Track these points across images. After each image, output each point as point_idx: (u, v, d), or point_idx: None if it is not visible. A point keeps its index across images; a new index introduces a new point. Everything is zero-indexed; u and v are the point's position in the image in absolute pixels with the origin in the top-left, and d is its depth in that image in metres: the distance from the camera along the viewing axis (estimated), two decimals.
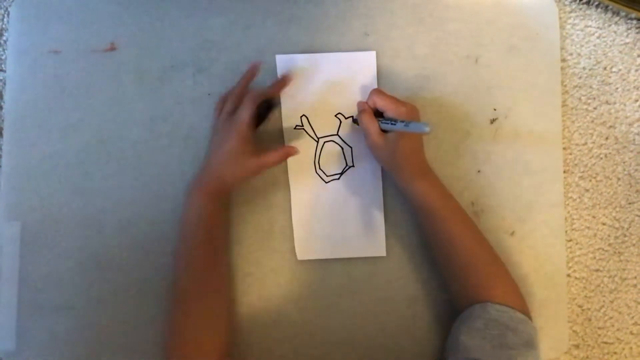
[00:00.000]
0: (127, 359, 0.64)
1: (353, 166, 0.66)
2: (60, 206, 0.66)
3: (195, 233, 0.59)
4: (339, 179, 0.66)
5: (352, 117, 0.66)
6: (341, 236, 0.66)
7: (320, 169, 0.66)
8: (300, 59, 0.66)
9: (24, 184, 0.66)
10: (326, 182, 0.66)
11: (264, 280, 0.66)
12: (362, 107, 0.62)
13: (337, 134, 0.66)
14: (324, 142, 0.66)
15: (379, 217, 0.66)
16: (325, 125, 0.66)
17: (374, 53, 0.66)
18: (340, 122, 0.66)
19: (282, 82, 0.63)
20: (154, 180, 0.66)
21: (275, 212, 0.66)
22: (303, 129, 0.66)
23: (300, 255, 0.66)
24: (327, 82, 0.66)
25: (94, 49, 0.67)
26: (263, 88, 0.62)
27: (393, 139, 0.59)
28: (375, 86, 0.66)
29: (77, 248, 0.65)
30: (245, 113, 0.58)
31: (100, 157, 0.66)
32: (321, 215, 0.66)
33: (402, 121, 0.56)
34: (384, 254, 0.65)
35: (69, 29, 0.67)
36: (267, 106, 0.63)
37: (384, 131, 0.60)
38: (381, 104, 0.60)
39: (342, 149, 0.66)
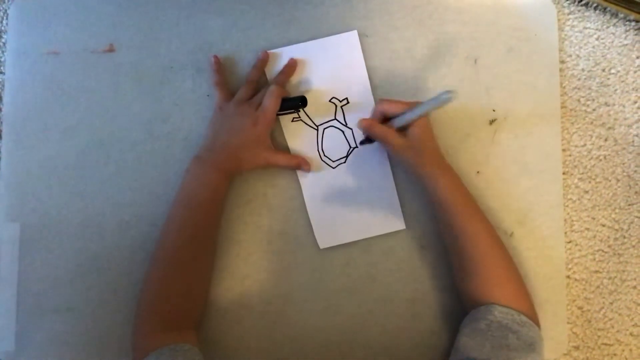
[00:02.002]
0: None
1: (357, 147, 0.66)
2: (59, 208, 0.66)
3: (201, 204, 0.61)
4: (345, 162, 0.66)
5: (358, 143, 0.66)
6: (359, 217, 0.66)
7: (325, 155, 0.66)
8: (285, 52, 0.66)
9: (23, 186, 0.66)
10: (333, 168, 0.66)
11: (263, 283, 0.65)
12: (366, 123, 0.61)
13: (335, 118, 0.67)
14: (324, 129, 0.67)
15: (392, 191, 0.66)
16: (321, 112, 0.66)
17: (355, 32, 0.66)
18: (336, 106, 0.66)
19: (289, 69, 0.65)
20: (153, 181, 0.66)
21: (274, 214, 0.66)
22: (300, 119, 0.66)
23: (322, 244, 0.65)
24: (316, 69, 0.66)
25: (93, 50, 0.67)
26: (282, 77, 0.65)
27: (413, 135, 0.59)
28: (363, 65, 0.66)
29: (76, 249, 0.65)
30: (273, 104, 0.61)
31: (100, 159, 0.66)
32: (335, 201, 0.66)
33: (417, 106, 0.57)
34: (403, 227, 0.66)
35: (67, 30, 0.67)
36: (293, 103, 0.64)
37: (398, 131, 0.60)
38: (393, 109, 0.60)
39: (343, 132, 0.66)
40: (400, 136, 0.60)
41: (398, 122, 0.60)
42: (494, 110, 0.67)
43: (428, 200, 0.63)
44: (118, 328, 0.64)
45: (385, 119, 0.62)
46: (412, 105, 0.59)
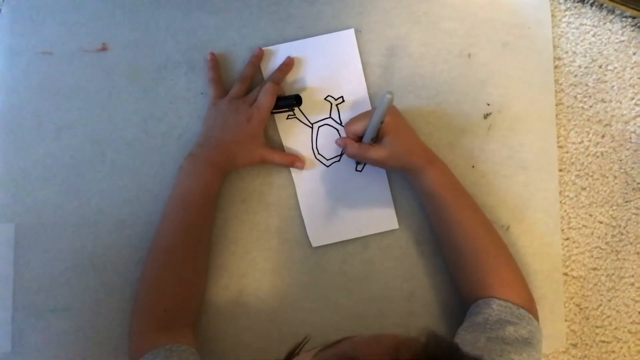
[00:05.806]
0: None
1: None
2: (54, 207, 0.65)
3: (194, 200, 0.61)
4: (339, 160, 0.66)
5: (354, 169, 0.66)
6: (352, 216, 0.66)
7: (319, 154, 0.66)
8: (280, 49, 0.66)
9: (17, 186, 0.65)
10: (328, 166, 0.66)
11: (260, 281, 0.65)
12: (342, 144, 0.62)
13: (330, 117, 0.66)
14: (319, 127, 0.66)
15: (385, 191, 0.66)
16: (316, 110, 0.66)
17: (352, 31, 0.66)
18: (331, 104, 0.66)
19: (286, 67, 0.65)
20: (149, 180, 0.66)
21: (271, 213, 0.66)
22: (295, 117, 0.66)
23: (315, 242, 0.65)
24: (312, 67, 0.66)
25: (86, 49, 0.66)
26: (278, 75, 0.64)
27: (388, 142, 0.59)
28: (359, 64, 0.66)
29: (72, 249, 0.65)
30: (268, 101, 0.61)
31: (95, 158, 0.66)
32: (329, 199, 0.66)
33: (373, 114, 0.57)
34: (396, 226, 0.65)
35: (61, 30, 0.67)
36: (288, 101, 0.64)
37: (375, 142, 0.60)
38: (359, 126, 0.60)
39: (337, 130, 0.66)
40: (378, 148, 0.60)
41: (367, 137, 0.60)
42: (488, 104, 0.66)
43: (419, 194, 0.63)
44: (115, 328, 0.64)
45: (360, 138, 0.62)
46: (370, 114, 0.59)
